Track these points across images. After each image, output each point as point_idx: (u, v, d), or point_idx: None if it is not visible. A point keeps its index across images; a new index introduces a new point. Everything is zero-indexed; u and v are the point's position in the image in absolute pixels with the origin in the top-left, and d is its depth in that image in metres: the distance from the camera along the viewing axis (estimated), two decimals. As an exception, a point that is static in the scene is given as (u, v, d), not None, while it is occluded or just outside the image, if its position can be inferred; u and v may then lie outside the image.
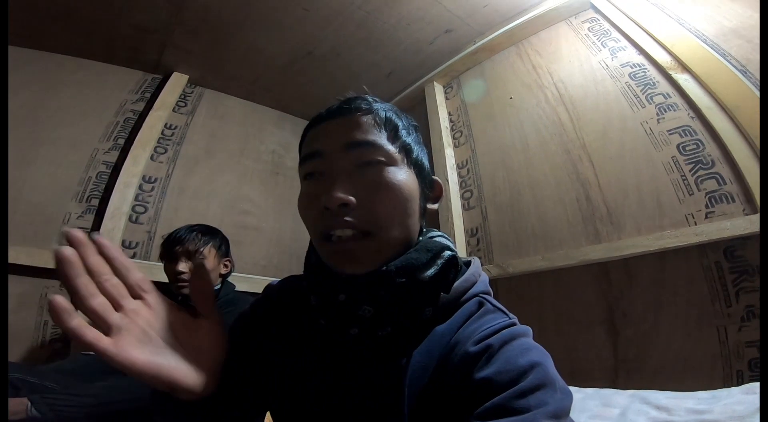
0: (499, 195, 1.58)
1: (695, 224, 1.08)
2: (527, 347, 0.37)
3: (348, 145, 0.45)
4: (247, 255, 1.87)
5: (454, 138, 1.84)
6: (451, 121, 1.88)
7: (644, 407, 0.83)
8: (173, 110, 1.87)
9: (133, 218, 1.67)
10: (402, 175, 0.45)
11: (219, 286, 1.26)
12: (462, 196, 1.72)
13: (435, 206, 0.52)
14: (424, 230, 0.51)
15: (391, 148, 0.46)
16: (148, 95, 1.85)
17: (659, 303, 1.10)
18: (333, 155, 0.45)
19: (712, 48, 1.17)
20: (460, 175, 1.76)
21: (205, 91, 2.04)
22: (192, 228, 1.24)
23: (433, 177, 0.52)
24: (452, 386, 0.37)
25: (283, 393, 0.46)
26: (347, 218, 0.42)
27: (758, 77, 1.06)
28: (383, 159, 0.45)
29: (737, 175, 1.04)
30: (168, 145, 1.83)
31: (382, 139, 0.46)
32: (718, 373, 0.96)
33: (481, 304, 0.45)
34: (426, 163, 0.51)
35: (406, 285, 0.42)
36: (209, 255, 1.22)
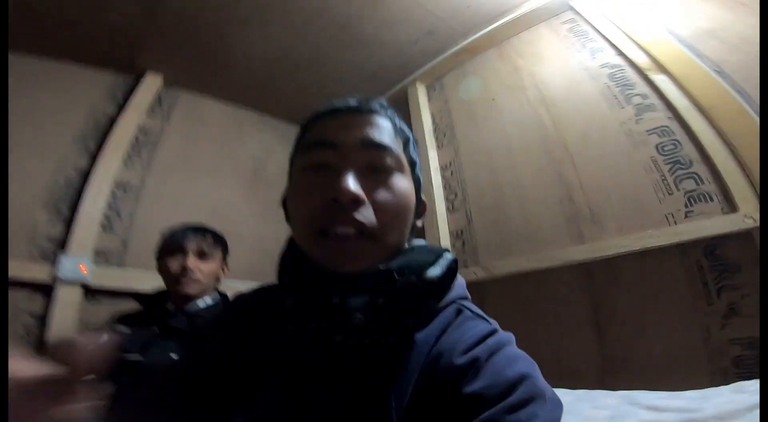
0: (484, 197, 1.57)
1: (675, 223, 1.09)
2: (513, 357, 0.37)
3: (366, 143, 0.44)
4: (229, 261, 1.81)
5: (437, 139, 1.82)
6: (434, 122, 1.87)
7: (634, 408, 0.82)
8: (147, 114, 1.79)
9: (106, 226, 1.59)
10: (408, 185, 0.46)
11: (218, 296, 1.18)
12: (446, 198, 1.70)
13: (420, 222, 0.52)
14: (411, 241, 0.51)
15: (403, 157, 0.47)
16: (120, 98, 1.77)
17: (644, 303, 1.10)
18: (348, 149, 0.44)
19: (688, 49, 1.19)
20: (443, 177, 1.75)
21: (181, 94, 1.96)
22: (199, 229, 1.18)
23: (422, 196, 0.53)
24: (439, 400, 0.36)
25: (255, 401, 0.43)
26: (355, 215, 0.40)
27: (734, 79, 1.08)
28: (395, 166, 0.45)
29: (715, 175, 1.06)
30: (142, 150, 1.75)
31: (397, 145, 0.46)
32: (704, 371, 0.96)
33: (459, 311, 0.44)
34: (422, 181, 0.52)
35: (412, 286, 0.40)
36: (217, 257, 1.17)
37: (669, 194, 1.12)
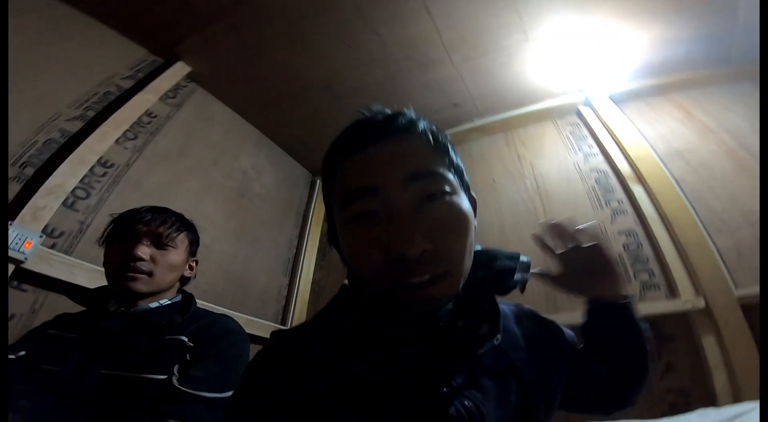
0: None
1: (630, 305, 1.40)
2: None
3: (408, 177, 0.40)
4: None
5: (432, 207, 1.98)
6: (433, 190, 2.03)
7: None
8: (160, 98, 1.71)
9: (69, 202, 1.38)
10: (465, 204, 0.43)
11: (179, 297, 0.98)
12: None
13: (476, 222, 0.47)
14: None
15: (450, 175, 0.43)
16: (141, 75, 1.69)
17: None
18: (391, 191, 0.39)
19: (663, 165, 1.56)
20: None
21: (198, 89, 1.93)
22: (160, 209, 0.98)
23: (471, 193, 0.49)
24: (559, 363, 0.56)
25: None
26: (424, 264, 0.38)
27: (689, 196, 1.46)
28: (447, 189, 0.41)
29: (664, 271, 1.41)
30: (140, 132, 1.63)
31: (440, 165, 0.42)
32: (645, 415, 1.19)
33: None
34: (469, 183, 0.48)
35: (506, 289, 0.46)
36: (180, 247, 0.96)
37: (628, 283, 1.45)
